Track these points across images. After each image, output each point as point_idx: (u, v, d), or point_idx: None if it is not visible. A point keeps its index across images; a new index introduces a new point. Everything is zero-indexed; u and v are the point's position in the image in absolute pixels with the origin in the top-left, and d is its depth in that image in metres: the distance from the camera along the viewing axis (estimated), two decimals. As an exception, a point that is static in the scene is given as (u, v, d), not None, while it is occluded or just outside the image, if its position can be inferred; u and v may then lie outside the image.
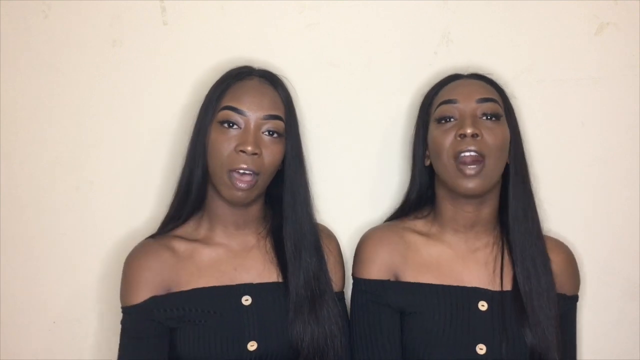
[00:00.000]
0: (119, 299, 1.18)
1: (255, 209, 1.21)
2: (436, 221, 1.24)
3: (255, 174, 1.13)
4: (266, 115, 1.15)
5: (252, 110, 1.14)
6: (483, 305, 1.17)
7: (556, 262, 1.22)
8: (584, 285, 1.36)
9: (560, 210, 1.37)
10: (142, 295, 1.14)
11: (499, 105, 1.20)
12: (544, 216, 1.28)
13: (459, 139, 1.15)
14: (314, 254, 1.19)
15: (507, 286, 1.19)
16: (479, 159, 1.14)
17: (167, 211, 1.23)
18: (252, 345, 1.12)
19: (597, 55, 1.38)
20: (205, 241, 1.20)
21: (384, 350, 1.17)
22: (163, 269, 1.16)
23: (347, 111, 1.37)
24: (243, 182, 1.12)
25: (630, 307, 1.40)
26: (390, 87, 1.37)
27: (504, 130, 1.18)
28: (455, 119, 1.18)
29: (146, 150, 1.34)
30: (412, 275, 1.20)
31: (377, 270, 1.21)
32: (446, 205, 1.22)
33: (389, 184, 1.38)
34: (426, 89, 1.30)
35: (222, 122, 1.14)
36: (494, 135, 1.16)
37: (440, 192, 1.23)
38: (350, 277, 1.26)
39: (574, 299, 1.26)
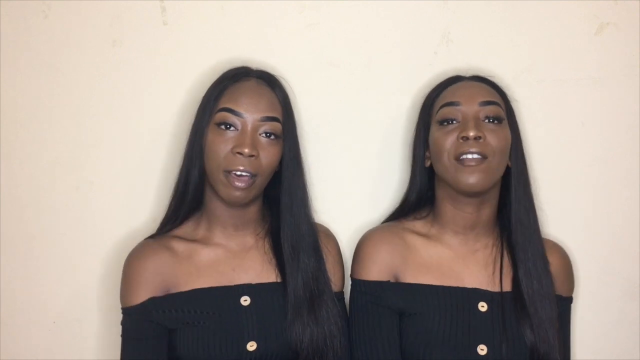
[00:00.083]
0: (118, 299, 1.18)
1: (254, 210, 1.21)
2: (436, 222, 1.25)
3: (253, 175, 1.13)
4: (263, 117, 1.14)
5: (249, 112, 1.14)
6: (483, 306, 1.17)
7: (553, 264, 1.22)
8: (584, 285, 1.37)
9: (560, 210, 1.37)
10: (141, 296, 1.14)
11: (501, 108, 1.20)
12: (544, 216, 1.29)
13: (461, 141, 1.15)
14: (312, 254, 1.19)
15: (507, 287, 1.19)
16: (481, 161, 1.15)
17: (165, 211, 1.23)
18: (251, 346, 1.12)
19: (597, 55, 1.38)
20: (204, 241, 1.20)
21: (384, 352, 1.17)
22: (162, 270, 1.16)
23: (347, 111, 1.37)
24: (241, 182, 1.12)
25: (630, 307, 1.40)
26: (390, 87, 1.37)
27: (505, 133, 1.19)
28: (458, 121, 1.18)
29: (146, 150, 1.34)
30: (412, 276, 1.20)
31: (377, 271, 1.21)
32: (446, 206, 1.22)
33: (389, 184, 1.38)
34: (426, 89, 1.30)
35: (219, 124, 1.14)
36: (496, 138, 1.16)
37: (441, 193, 1.23)
38: (349, 278, 1.26)
39: (569, 300, 1.27)
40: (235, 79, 1.18)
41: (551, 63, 1.37)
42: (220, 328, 1.12)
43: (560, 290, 1.23)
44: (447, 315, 1.16)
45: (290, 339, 1.13)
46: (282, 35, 1.35)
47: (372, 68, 1.37)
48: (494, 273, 1.20)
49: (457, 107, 1.19)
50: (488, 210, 1.21)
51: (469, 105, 1.18)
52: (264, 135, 1.15)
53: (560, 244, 1.30)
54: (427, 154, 1.26)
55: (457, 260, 1.21)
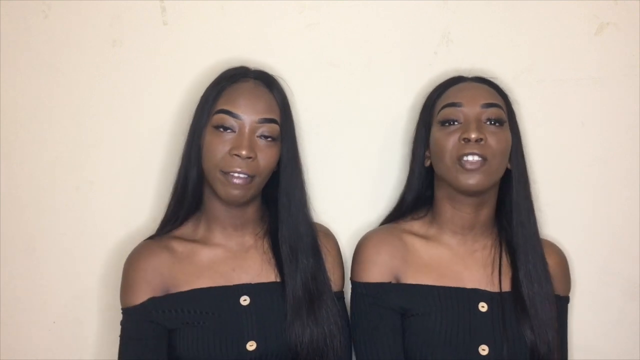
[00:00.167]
0: (118, 299, 1.18)
1: (253, 210, 1.21)
2: (434, 222, 1.25)
3: (250, 176, 1.13)
4: (261, 119, 1.14)
5: (246, 114, 1.13)
6: (483, 307, 1.17)
7: (550, 264, 1.22)
8: (584, 285, 1.37)
9: (560, 210, 1.37)
10: (141, 296, 1.14)
11: (503, 111, 1.20)
12: (544, 216, 1.29)
13: (462, 142, 1.15)
14: (310, 255, 1.19)
15: (506, 287, 1.19)
16: (482, 163, 1.15)
17: (165, 212, 1.23)
18: (251, 345, 1.12)
19: (597, 55, 1.38)
20: (203, 241, 1.20)
21: (387, 353, 1.16)
22: (162, 270, 1.16)
23: (347, 111, 1.37)
24: (239, 180, 1.12)
25: (630, 307, 1.40)
26: (390, 87, 1.37)
27: (507, 135, 1.19)
28: (460, 123, 1.18)
29: (146, 150, 1.34)
30: (413, 277, 1.20)
31: (378, 272, 1.21)
32: (445, 207, 1.22)
33: (389, 184, 1.38)
34: (426, 89, 1.30)
35: (217, 126, 1.14)
36: (497, 140, 1.16)
37: (440, 193, 1.23)
38: (349, 280, 1.25)
39: (566, 300, 1.27)
40: (233, 80, 1.18)
41: (551, 63, 1.37)
42: (220, 328, 1.12)
43: (558, 290, 1.23)
44: (448, 315, 1.16)
45: (290, 339, 1.13)
46: (282, 35, 1.35)
47: (372, 68, 1.37)
48: (492, 273, 1.20)
49: (459, 108, 1.18)
50: (486, 211, 1.21)
51: (471, 107, 1.18)
52: (261, 137, 1.14)
53: (560, 244, 1.30)
54: (427, 153, 1.26)
55: (457, 260, 1.21)
